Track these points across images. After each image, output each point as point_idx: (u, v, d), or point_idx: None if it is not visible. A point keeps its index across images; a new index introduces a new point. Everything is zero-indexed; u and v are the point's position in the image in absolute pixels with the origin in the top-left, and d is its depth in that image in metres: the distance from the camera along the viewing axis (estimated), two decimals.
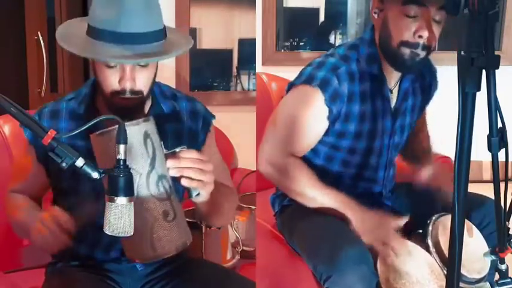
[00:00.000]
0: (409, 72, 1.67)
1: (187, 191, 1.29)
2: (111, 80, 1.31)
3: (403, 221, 1.55)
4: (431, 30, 1.51)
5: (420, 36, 1.52)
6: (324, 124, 1.62)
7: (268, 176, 1.67)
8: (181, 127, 1.47)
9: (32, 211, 1.40)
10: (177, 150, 1.25)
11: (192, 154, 1.26)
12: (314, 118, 1.61)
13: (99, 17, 1.27)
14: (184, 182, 1.25)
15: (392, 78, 1.68)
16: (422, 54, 1.55)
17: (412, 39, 1.53)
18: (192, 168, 1.24)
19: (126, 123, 1.13)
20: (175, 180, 1.26)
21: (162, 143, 1.23)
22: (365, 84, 1.63)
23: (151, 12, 1.30)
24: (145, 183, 1.19)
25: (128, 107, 1.33)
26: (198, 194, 1.28)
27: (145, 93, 1.35)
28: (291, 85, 1.67)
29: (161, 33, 1.32)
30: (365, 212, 1.57)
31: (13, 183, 1.50)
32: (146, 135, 1.19)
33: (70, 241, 1.23)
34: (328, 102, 1.58)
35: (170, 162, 1.23)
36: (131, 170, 1.11)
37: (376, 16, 1.60)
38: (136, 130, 1.18)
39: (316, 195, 1.61)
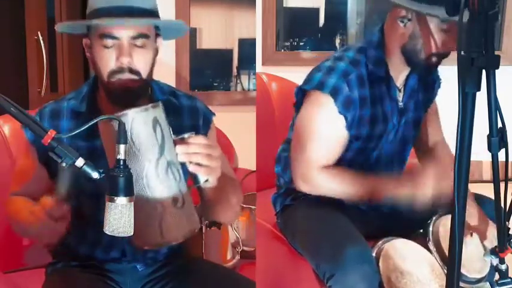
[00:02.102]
0: (430, 76, 1.73)
1: (194, 178, 1.28)
2: (109, 59, 1.32)
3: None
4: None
5: (448, 48, 1.58)
6: (344, 132, 1.63)
7: (307, 191, 1.69)
8: (182, 124, 1.47)
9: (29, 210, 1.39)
10: (186, 136, 1.25)
11: (201, 140, 1.26)
12: (332, 129, 1.63)
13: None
14: (192, 168, 1.24)
15: (399, 77, 1.70)
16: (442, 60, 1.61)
17: (442, 50, 1.57)
18: (200, 154, 1.24)
19: (135, 109, 1.14)
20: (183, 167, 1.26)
21: (170, 129, 1.23)
22: (374, 87, 1.65)
23: None
24: (155, 170, 1.19)
25: (127, 90, 1.33)
26: (206, 181, 1.28)
27: (143, 75, 1.35)
28: (301, 90, 1.68)
29: (154, 12, 1.37)
30: (400, 181, 1.59)
31: (15, 185, 1.47)
32: (155, 122, 1.19)
33: (64, 230, 1.20)
34: (341, 110, 1.59)
35: (179, 148, 1.23)
36: (140, 157, 1.11)
37: (402, 25, 1.60)
38: (145, 116, 1.18)
39: (361, 189, 1.62)
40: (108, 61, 1.33)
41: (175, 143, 1.23)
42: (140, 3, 1.33)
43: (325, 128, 1.64)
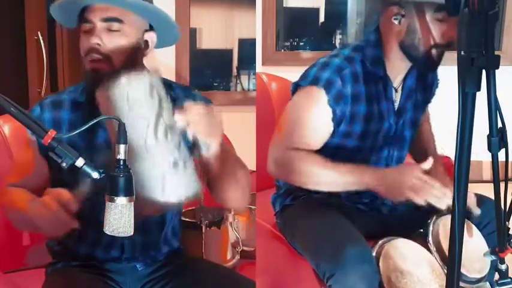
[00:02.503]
0: (435, 70, 1.71)
1: (197, 147, 1.28)
2: (85, 42, 1.37)
3: (427, 163, 1.56)
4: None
5: (448, 38, 1.58)
6: (329, 125, 1.63)
7: (275, 174, 1.68)
8: None
9: (35, 201, 1.38)
10: (184, 104, 1.25)
11: (199, 106, 1.26)
12: (318, 118, 1.63)
13: None
14: (192, 130, 1.24)
15: (397, 77, 1.70)
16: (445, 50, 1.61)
17: (442, 41, 1.58)
18: (199, 119, 1.24)
19: (131, 74, 1.17)
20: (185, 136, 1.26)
21: (168, 97, 1.24)
22: (370, 85, 1.65)
23: None
24: (153, 132, 1.19)
25: (97, 71, 1.35)
26: (208, 148, 1.28)
27: (115, 61, 1.36)
28: (296, 85, 1.68)
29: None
30: (383, 169, 1.59)
31: (14, 177, 1.46)
32: (151, 86, 1.20)
33: (75, 222, 1.20)
34: (331, 103, 1.59)
35: (178, 115, 1.23)
36: (139, 120, 1.12)
37: (397, 22, 1.60)
38: (141, 80, 1.20)
39: (328, 172, 1.60)
40: (83, 44, 1.38)
41: (173, 111, 1.23)
42: None
43: (312, 117, 1.63)
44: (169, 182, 1.21)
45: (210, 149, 1.28)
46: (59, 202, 1.19)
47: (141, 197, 1.16)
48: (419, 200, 1.51)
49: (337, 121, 1.62)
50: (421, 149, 1.91)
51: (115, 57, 1.36)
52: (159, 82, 1.23)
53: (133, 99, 1.17)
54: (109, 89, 1.16)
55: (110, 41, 1.36)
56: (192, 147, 1.29)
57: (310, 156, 1.62)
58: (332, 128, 1.63)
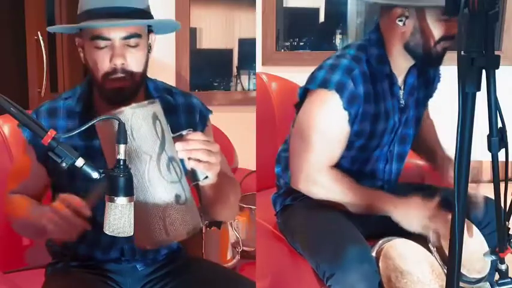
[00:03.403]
0: (439, 65, 1.71)
1: (193, 176, 1.28)
2: (102, 61, 1.33)
3: (433, 202, 1.58)
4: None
5: (452, 33, 1.58)
6: (346, 129, 1.63)
7: (308, 192, 1.68)
8: (178, 121, 1.46)
9: (37, 207, 1.38)
10: (184, 133, 1.24)
11: (199, 136, 1.26)
12: (337, 124, 1.63)
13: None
14: (192, 164, 1.24)
15: (400, 75, 1.71)
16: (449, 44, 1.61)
17: (447, 35, 1.58)
18: (199, 150, 1.23)
19: (134, 105, 1.14)
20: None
21: (169, 126, 1.23)
22: (377, 84, 1.65)
23: None
24: (156, 166, 1.18)
25: (121, 90, 1.34)
26: (206, 178, 1.28)
27: (137, 75, 1.36)
28: (305, 90, 1.68)
29: (145, 13, 1.38)
30: (406, 203, 1.60)
31: (13, 184, 1.47)
32: (155, 117, 1.19)
33: (87, 224, 1.20)
34: (346, 106, 1.59)
35: (178, 145, 1.22)
36: (141, 154, 1.11)
37: (401, 24, 1.60)
38: (145, 112, 1.17)
39: (361, 199, 1.63)
40: (101, 63, 1.33)
41: (173, 140, 1.23)
42: (130, 3, 1.33)
43: (329, 125, 1.63)
44: (171, 217, 1.20)
45: (207, 178, 1.28)
46: (69, 206, 1.19)
47: (143, 230, 1.17)
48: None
49: (352, 122, 1.63)
50: (426, 146, 1.91)
51: (137, 72, 1.36)
52: (161, 112, 1.22)
53: (137, 130, 1.15)
54: (113, 120, 1.14)
55: (133, 58, 1.34)
56: (189, 175, 1.29)
57: (340, 177, 1.65)
58: (349, 129, 1.64)
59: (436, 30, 1.57)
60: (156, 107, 1.21)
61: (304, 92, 1.69)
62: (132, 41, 1.33)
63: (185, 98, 1.50)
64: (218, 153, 1.27)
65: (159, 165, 1.18)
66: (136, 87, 1.38)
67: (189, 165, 1.24)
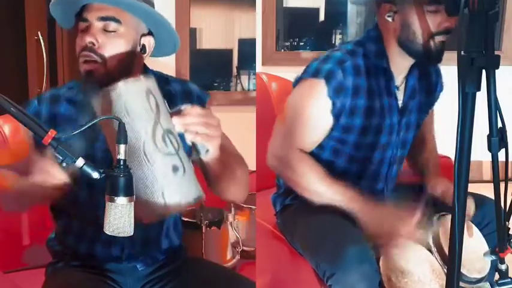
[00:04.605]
0: (439, 62, 1.69)
1: (195, 150, 1.28)
2: (80, 41, 1.35)
3: (415, 218, 1.55)
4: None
5: (444, 27, 1.57)
6: (328, 118, 1.63)
7: (274, 168, 1.69)
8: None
9: (22, 177, 1.30)
10: (182, 107, 1.24)
11: (196, 109, 1.25)
12: (317, 110, 1.63)
13: None
14: (191, 137, 1.23)
15: (399, 75, 1.70)
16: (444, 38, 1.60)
17: (438, 30, 1.57)
18: (197, 123, 1.23)
19: (127, 80, 1.15)
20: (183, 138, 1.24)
21: (165, 101, 1.22)
22: (371, 78, 1.65)
23: None
24: (152, 139, 1.18)
25: (91, 73, 1.33)
26: (207, 151, 1.27)
27: (111, 62, 1.34)
28: (298, 79, 1.69)
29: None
30: (372, 205, 1.58)
31: (5, 159, 1.46)
32: (148, 91, 1.19)
33: (66, 176, 1.13)
34: (331, 95, 1.59)
35: (175, 119, 1.22)
36: (135, 127, 1.11)
37: (390, 19, 1.60)
38: (137, 86, 1.18)
39: (324, 190, 1.61)
40: (78, 43, 1.35)
41: (171, 115, 1.22)
42: None
43: (311, 111, 1.64)
44: (170, 188, 1.20)
45: (208, 152, 1.28)
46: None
47: (142, 203, 1.16)
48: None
49: (336, 113, 1.62)
50: (421, 159, 1.89)
51: (109, 60, 1.34)
52: (155, 86, 1.22)
53: (130, 104, 1.16)
54: (106, 94, 1.15)
55: (105, 41, 1.33)
56: (190, 150, 1.29)
57: (310, 162, 1.63)
58: (332, 121, 1.63)
59: (426, 24, 1.57)
60: (150, 82, 1.21)
61: (298, 82, 1.70)
62: (111, 26, 1.33)
63: (182, 85, 1.50)
64: (218, 126, 1.26)
65: (155, 138, 1.18)
66: (111, 75, 1.32)
67: (188, 138, 1.23)
